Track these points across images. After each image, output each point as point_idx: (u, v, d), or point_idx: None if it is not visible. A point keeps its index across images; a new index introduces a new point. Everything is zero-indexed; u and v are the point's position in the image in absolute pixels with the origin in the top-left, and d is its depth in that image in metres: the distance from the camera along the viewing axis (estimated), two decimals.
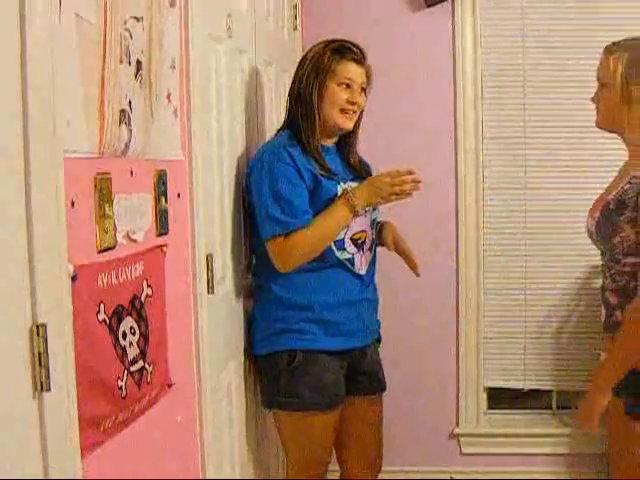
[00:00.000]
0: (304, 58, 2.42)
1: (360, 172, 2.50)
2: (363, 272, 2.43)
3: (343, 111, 2.36)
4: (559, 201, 3.38)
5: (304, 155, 2.34)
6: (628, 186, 1.93)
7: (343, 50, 2.36)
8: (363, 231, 2.41)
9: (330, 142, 2.46)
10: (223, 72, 2.34)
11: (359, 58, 2.38)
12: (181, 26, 1.99)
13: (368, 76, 2.42)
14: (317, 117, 2.35)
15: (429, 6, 3.35)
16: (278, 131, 2.50)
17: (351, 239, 2.38)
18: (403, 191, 2.28)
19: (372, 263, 2.50)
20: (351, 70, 2.36)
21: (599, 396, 1.91)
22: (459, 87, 3.38)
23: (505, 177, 3.45)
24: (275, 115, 2.93)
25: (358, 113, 2.41)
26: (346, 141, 2.49)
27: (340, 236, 2.35)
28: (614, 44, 1.97)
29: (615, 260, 1.95)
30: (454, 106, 3.39)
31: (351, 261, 2.39)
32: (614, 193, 1.97)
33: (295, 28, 3.30)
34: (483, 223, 3.45)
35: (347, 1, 3.41)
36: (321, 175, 2.34)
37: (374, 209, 2.47)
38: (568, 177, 3.38)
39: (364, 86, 2.40)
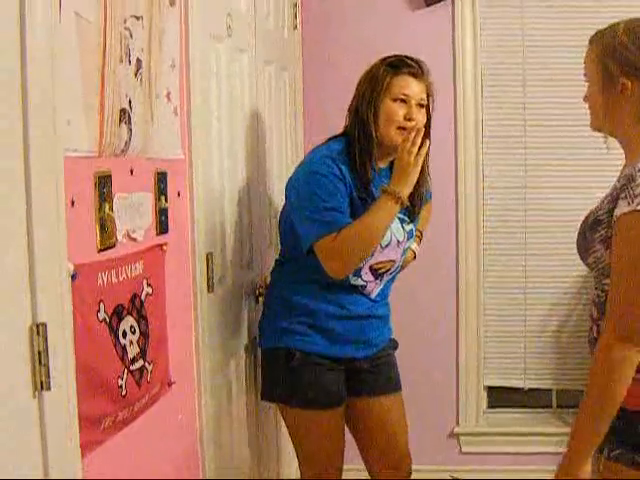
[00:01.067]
0: (362, 77, 2.32)
1: (416, 204, 2.37)
2: (374, 295, 2.38)
3: (400, 128, 2.24)
4: (559, 200, 3.38)
5: (351, 174, 2.25)
6: (606, 200, 1.69)
7: (399, 64, 2.26)
8: (390, 261, 2.34)
9: (384, 164, 2.34)
10: (223, 71, 2.34)
11: (417, 72, 2.26)
12: (181, 25, 2.00)
13: (429, 92, 2.30)
14: (374, 136, 2.25)
15: (429, 5, 3.35)
16: (333, 138, 2.38)
17: (370, 268, 2.32)
18: (417, 152, 2.19)
19: (389, 283, 2.44)
20: (407, 85, 2.24)
21: (579, 466, 1.63)
22: (459, 86, 3.38)
23: (505, 176, 3.44)
24: (274, 114, 2.93)
25: (420, 132, 2.24)
26: None
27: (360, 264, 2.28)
28: (595, 34, 1.79)
29: (597, 278, 1.77)
30: (454, 105, 3.39)
31: (363, 287, 2.35)
32: (594, 206, 1.76)
33: (295, 27, 3.30)
34: (483, 222, 3.45)
35: (347, 0, 3.41)
36: (361, 198, 2.25)
37: (408, 239, 2.38)
38: (568, 176, 3.37)
39: (423, 102, 2.28)
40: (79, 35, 1.45)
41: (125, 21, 1.63)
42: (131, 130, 1.66)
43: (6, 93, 1.23)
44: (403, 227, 2.37)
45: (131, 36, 1.66)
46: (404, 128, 2.24)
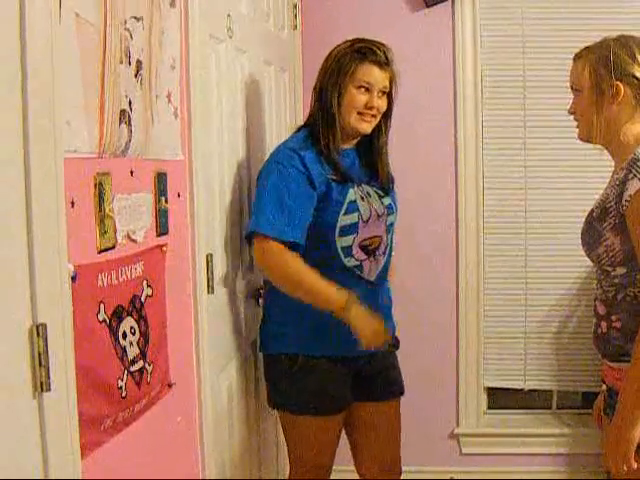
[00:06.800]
0: (329, 56, 2.36)
1: (383, 178, 2.42)
2: (372, 278, 2.37)
3: (361, 114, 2.30)
4: (559, 201, 3.38)
5: (318, 158, 2.29)
6: (610, 190, 1.81)
7: (365, 52, 2.30)
8: (376, 237, 2.35)
9: (349, 145, 2.39)
10: (223, 72, 2.34)
11: (382, 61, 2.31)
12: (181, 26, 1.99)
13: (392, 80, 2.35)
14: (337, 120, 2.30)
15: (429, 6, 3.35)
16: (299, 128, 2.44)
17: (360, 246, 2.32)
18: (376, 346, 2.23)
19: (386, 267, 2.44)
20: (371, 74, 2.29)
21: (628, 431, 1.72)
22: (459, 87, 3.38)
23: (505, 177, 3.44)
24: (275, 115, 2.93)
25: (378, 117, 2.34)
26: (371, 145, 2.41)
27: (348, 242, 2.29)
28: (582, 50, 1.91)
29: (605, 272, 1.85)
30: (454, 106, 3.39)
31: (359, 268, 2.34)
32: (597, 199, 1.87)
33: (295, 28, 3.31)
34: (483, 223, 3.45)
35: (347, 1, 3.41)
36: (333, 180, 2.28)
37: (389, 213, 2.41)
38: (568, 177, 3.38)
39: (386, 90, 2.33)
40: (79, 35, 1.45)
41: (125, 22, 1.63)
42: (131, 131, 1.66)
43: (6, 93, 1.23)
44: (381, 201, 2.39)
45: (131, 37, 1.66)
46: (364, 114, 2.31)
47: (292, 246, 2.22)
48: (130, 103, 1.66)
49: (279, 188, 2.23)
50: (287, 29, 3.21)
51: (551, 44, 3.31)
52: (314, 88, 2.39)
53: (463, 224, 3.43)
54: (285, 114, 3.11)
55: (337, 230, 2.29)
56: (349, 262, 2.32)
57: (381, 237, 2.38)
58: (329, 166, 2.30)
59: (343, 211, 2.29)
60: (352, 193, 2.31)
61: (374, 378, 2.46)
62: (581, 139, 1.94)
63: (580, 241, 1.92)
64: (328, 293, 2.21)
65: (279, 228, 2.20)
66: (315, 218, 2.28)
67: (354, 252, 2.32)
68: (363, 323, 2.19)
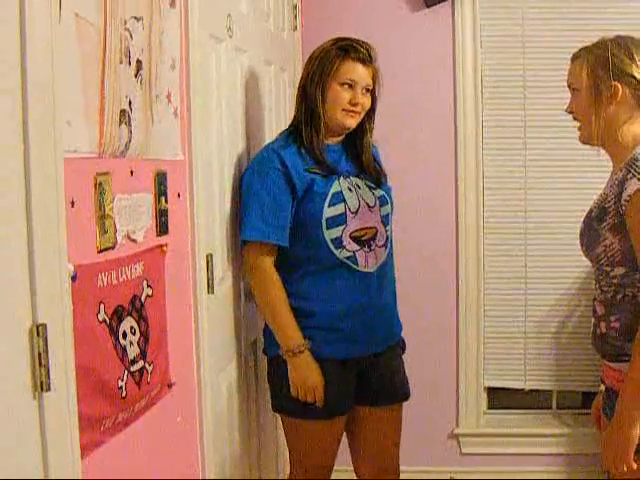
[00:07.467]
0: (312, 54, 2.38)
1: (372, 172, 2.43)
2: (371, 270, 2.35)
3: (345, 110, 2.32)
4: (559, 201, 3.38)
5: (299, 154, 2.32)
6: (609, 190, 1.81)
7: (349, 49, 2.31)
8: (370, 228, 2.36)
9: (335, 141, 2.41)
10: (223, 72, 2.34)
11: (365, 58, 2.33)
12: (181, 26, 1.99)
13: (374, 78, 2.36)
14: (321, 117, 2.32)
15: (429, 6, 3.35)
16: (284, 130, 2.47)
17: (351, 236, 2.32)
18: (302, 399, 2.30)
19: (387, 261, 2.43)
20: (354, 70, 2.31)
21: (627, 431, 1.73)
22: (459, 87, 3.38)
23: (505, 176, 3.45)
24: (275, 115, 2.93)
25: (362, 113, 2.36)
26: (356, 141, 2.43)
27: (337, 234, 2.30)
28: (580, 50, 1.92)
29: (603, 272, 1.85)
30: (454, 106, 3.39)
31: (353, 259, 2.33)
32: (596, 199, 1.88)
33: (295, 28, 3.30)
34: (483, 223, 3.45)
35: (347, 1, 3.41)
36: (316, 173, 2.31)
37: (383, 204, 2.42)
38: (568, 176, 3.38)
39: (369, 87, 2.35)
40: (79, 35, 1.45)
41: (125, 22, 1.63)
42: (131, 131, 1.66)
43: (6, 93, 1.23)
44: (373, 193, 2.41)
45: (131, 37, 1.66)
46: (348, 110, 2.33)
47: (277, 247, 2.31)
48: (130, 103, 1.65)
49: (259, 191, 2.28)
50: (287, 30, 3.21)
51: (551, 44, 3.31)
52: (298, 86, 2.41)
53: (463, 224, 3.43)
54: (285, 113, 3.11)
55: (324, 222, 2.30)
56: (341, 254, 2.32)
57: (376, 228, 2.38)
58: (312, 160, 2.32)
59: (327, 203, 2.30)
60: (337, 185, 2.33)
61: (378, 382, 2.44)
62: (583, 142, 1.94)
63: (579, 241, 1.92)
64: (290, 329, 2.29)
65: (263, 231, 2.27)
66: (301, 212, 2.30)
67: (345, 243, 2.32)
68: (302, 373, 2.27)
